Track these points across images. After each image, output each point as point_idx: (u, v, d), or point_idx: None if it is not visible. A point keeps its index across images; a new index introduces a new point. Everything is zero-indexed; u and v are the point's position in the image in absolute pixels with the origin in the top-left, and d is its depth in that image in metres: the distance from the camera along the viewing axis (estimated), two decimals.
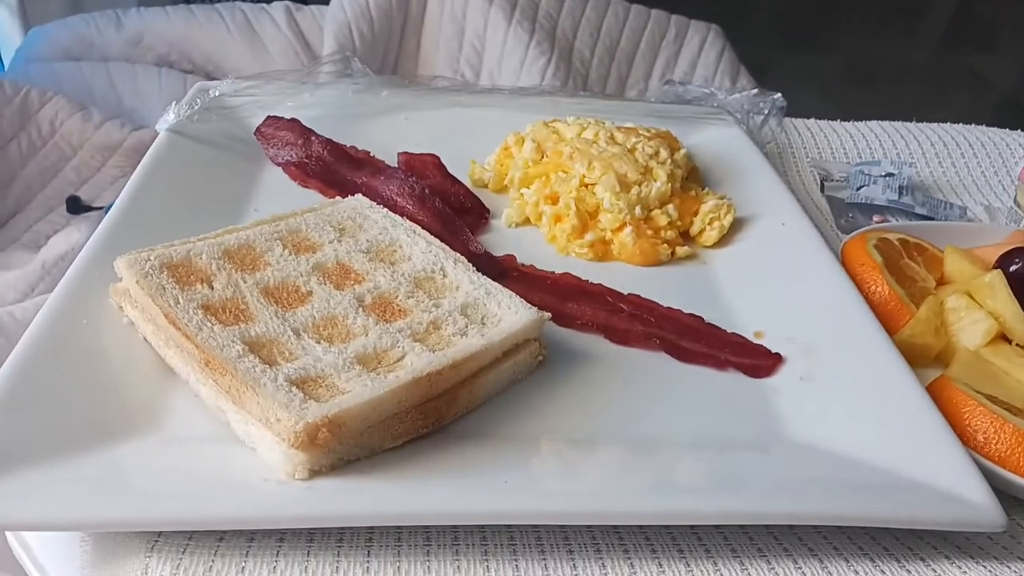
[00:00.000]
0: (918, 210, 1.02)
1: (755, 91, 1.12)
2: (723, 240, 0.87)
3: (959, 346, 0.75)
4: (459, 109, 1.06)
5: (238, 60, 1.95)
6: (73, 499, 0.51)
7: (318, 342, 0.62)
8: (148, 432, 0.57)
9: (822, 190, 1.07)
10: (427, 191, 0.86)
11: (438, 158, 0.93)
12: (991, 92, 3.50)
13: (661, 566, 0.55)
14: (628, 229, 0.84)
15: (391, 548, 0.54)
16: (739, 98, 1.12)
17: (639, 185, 0.87)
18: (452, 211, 0.86)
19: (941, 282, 0.84)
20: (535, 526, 0.57)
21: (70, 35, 1.98)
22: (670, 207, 0.87)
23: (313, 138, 0.94)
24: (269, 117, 0.96)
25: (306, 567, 0.53)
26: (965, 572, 0.57)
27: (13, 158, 1.62)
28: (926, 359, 0.75)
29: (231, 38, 1.95)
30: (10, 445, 0.53)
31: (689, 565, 0.55)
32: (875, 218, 1.01)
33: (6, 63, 2.16)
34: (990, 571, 0.57)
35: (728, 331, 0.74)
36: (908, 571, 0.57)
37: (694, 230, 0.88)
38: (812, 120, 1.20)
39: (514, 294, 0.68)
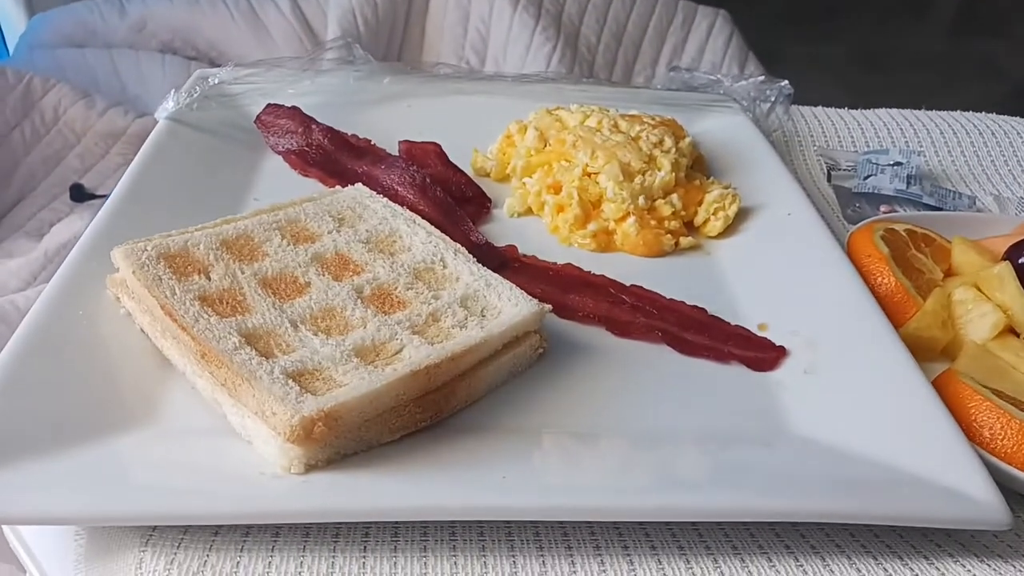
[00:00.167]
0: (926, 200, 1.00)
1: (762, 78, 1.11)
2: (728, 230, 0.86)
3: (966, 339, 0.74)
4: (462, 97, 1.05)
5: (242, 46, 1.94)
6: (67, 493, 0.50)
7: (316, 334, 0.61)
8: (143, 425, 0.57)
9: (829, 179, 1.06)
10: (428, 180, 0.85)
11: (439, 147, 0.92)
12: (1003, 79, 3.46)
13: (660, 563, 0.55)
14: (631, 219, 0.83)
15: (387, 543, 0.54)
16: (745, 85, 1.10)
17: (643, 174, 0.86)
18: (453, 200, 0.85)
19: (949, 274, 0.83)
20: (533, 522, 0.56)
21: (74, 21, 1.97)
22: (674, 197, 0.86)
23: (314, 126, 0.93)
24: (269, 105, 0.95)
25: (301, 562, 0.52)
26: (970, 570, 0.56)
27: (16, 146, 1.62)
28: (933, 352, 0.74)
29: (235, 24, 1.94)
30: (5, 438, 0.52)
31: (689, 562, 0.55)
32: (882, 208, 0.99)
33: (10, 50, 2.15)
34: (995, 569, 0.56)
35: (732, 323, 0.73)
36: (911, 569, 0.56)
37: (698, 220, 0.87)
38: (819, 108, 1.19)
39: (514, 286, 0.68)
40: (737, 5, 2.23)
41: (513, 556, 0.54)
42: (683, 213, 0.86)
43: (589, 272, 0.78)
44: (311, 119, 0.94)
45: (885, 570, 0.55)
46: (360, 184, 0.80)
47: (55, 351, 0.60)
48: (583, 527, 0.56)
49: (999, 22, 3.80)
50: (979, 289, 0.77)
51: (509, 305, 0.66)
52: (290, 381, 0.55)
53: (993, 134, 1.15)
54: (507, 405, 0.63)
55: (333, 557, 0.53)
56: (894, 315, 0.74)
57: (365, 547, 0.54)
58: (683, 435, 0.62)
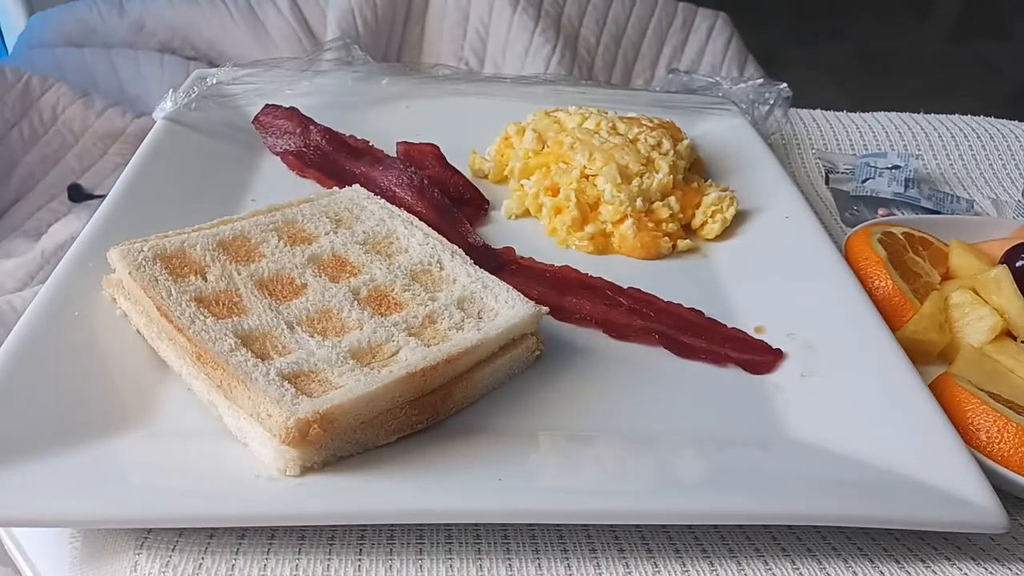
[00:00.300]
0: (924, 203, 1.00)
1: (760, 81, 1.11)
2: (726, 233, 0.86)
3: (963, 343, 0.74)
4: (460, 98, 1.05)
5: (241, 46, 1.94)
6: (62, 495, 0.50)
7: (312, 336, 0.61)
8: (139, 427, 0.57)
9: (827, 182, 1.06)
10: (426, 182, 0.85)
11: (437, 148, 0.92)
12: (1005, 81, 3.46)
13: (656, 566, 0.54)
14: (629, 222, 0.83)
15: (383, 546, 0.54)
16: (744, 88, 1.10)
17: (640, 177, 0.86)
18: (451, 202, 0.85)
19: (946, 277, 0.83)
20: (530, 525, 0.56)
21: (73, 21, 1.97)
22: (672, 199, 0.86)
23: (312, 127, 0.93)
24: (267, 105, 0.95)
25: (296, 565, 0.52)
26: (966, 574, 0.56)
27: (15, 145, 1.62)
28: (930, 356, 0.74)
29: (234, 24, 1.94)
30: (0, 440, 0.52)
31: (685, 565, 0.55)
32: (880, 211, 0.99)
33: (9, 49, 2.15)
34: (991, 573, 0.56)
35: (728, 326, 0.73)
36: (908, 572, 0.56)
37: (696, 223, 0.86)
38: (818, 111, 1.19)
39: (511, 288, 0.67)
40: (738, 7, 2.23)
41: (509, 559, 0.54)
42: (681, 215, 0.86)
43: (586, 274, 0.78)
44: (309, 120, 0.94)
45: (881, 573, 0.55)
46: (358, 185, 0.80)
47: (50, 352, 0.60)
48: (579, 530, 0.56)
49: (1001, 24, 3.80)
50: (976, 292, 0.77)
51: (506, 307, 0.66)
52: (286, 383, 0.55)
53: (991, 137, 1.15)
54: (503, 407, 0.63)
55: (328, 560, 0.53)
56: (891, 318, 0.74)
57: (360, 549, 0.53)
58: (679, 438, 0.62)
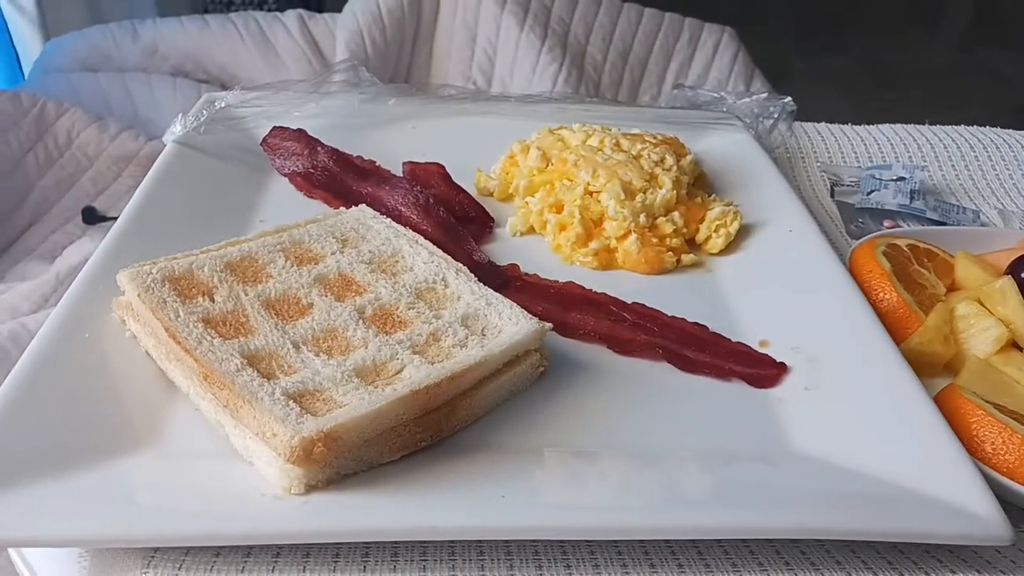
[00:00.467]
0: (930, 215, 1.00)
1: (765, 95, 1.11)
2: (730, 247, 0.86)
3: (969, 354, 0.74)
4: (465, 117, 1.06)
5: (252, 69, 1.97)
6: (72, 515, 0.51)
7: (317, 355, 0.62)
8: (148, 447, 0.57)
9: (832, 195, 1.06)
10: (432, 200, 0.86)
11: (443, 167, 0.93)
12: (1014, 92, 3.46)
13: None
14: (633, 237, 0.83)
15: (387, 563, 0.54)
16: (749, 102, 1.11)
17: (644, 192, 0.86)
18: (457, 220, 0.86)
19: (952, 288, 0.83)
20: (533, 541, 0.56)
21: (87, 46, 2.01)
22: (675, 214, 0.86)
23: (319, 148, 0.94)
24: (275, 128, 0.97)
25: None
26: None
27: (30, 169, 1.65)
28: (935, 368, 0.74)
29: (244, 47, 1.97)
30: (10, 461, 0.53)
31: None
32: (886, 223, 0.99)
33: (25, 74, 2.19)
34: None
35: (733, 340, 0.73)
36: None
37: (700, 237, 0.87)
38: (823, 124, 1.19)
39: (515, 304, 0.68)
40: (744, 20, 2.24)
41: (512, 574, 0.54)
42: (684, 230, 0.86)
43: (590, 290, 0.78)
44: (317, 141, 0.95)
45: None
46: (364, 205, 0.81)
47: (61, 374, 0.61)
48: (582, 546, 0.56)
49: (1009, 34, 3.79)
50: (981, 304, 0.77)
51: (509, 324, 0.66)
52: (291, 402, 0.56)
53: (997, 148, 1.15)
54: (508, 424, 0.63)
55: None
56: (896, 331, 0.74)
57: (365, 567, 0.54)
58: (683, 453, 0.62)
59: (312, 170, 0.93)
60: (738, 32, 2.16)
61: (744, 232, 0.87)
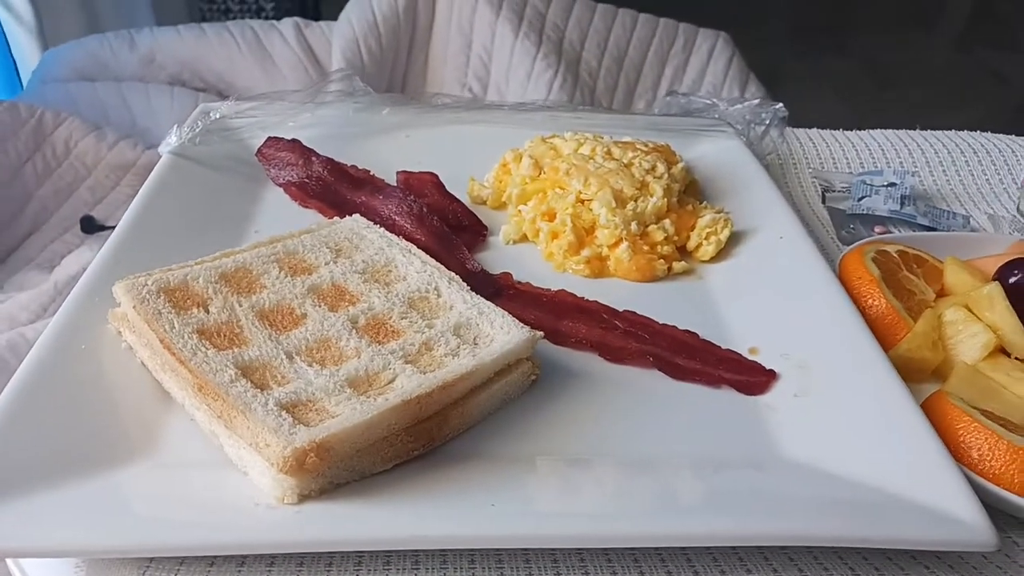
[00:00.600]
0: (920, 220, 1.01)
1: (757, 101, 1.12)
2: (721, 254, 0.87)
3: (957, 360, 0.75)
4: (459, 126, 1.07)
5: (248, 77, 1.97)
6: (68, 526, 0.52)
7: (310, 365, 0.63)
8: (143, 457, 0.58)
9: (823, 201, 1.07)
10: (425, 209, 0.87)
11: (436, 176, 0.94)
12: (1012, 93, 3.46)
13: None
14: (624, 245, 0.84)
15: (379, 571, 0.55)
16: (740, 109, 1.11)
17: (635, 200, 0.87)
18: (450, 229, 0.86)
19: (941, 294, 0.84)
20: (524, 550, 0.57)
21: (85, 56, 2.01)
22: (666, 222, 0.87)
23: (313, 158, 0.95)
24: (270, 138, 0.97)
25: None
26: None
27: (29, 179, 1.65)
28: (923, 374, 0.74)
29: (241, 56, 1.98)
30: (7, 471, 0.54)
31: None
32: (877, 229, 1.00)
33: (23, 84, 2.20)
34: None
35: (723, 348, 0.74)
36: None
37: (691, 245, 0.88)
38: (814, 130, 1.20)
39: (507, 313, 0.69)
40: (744, 21, 2.24)
41: None
42: (676, 238, 0.87)
43: (582, 298, 0.79)
44: (311, 151, 0.96)
45: None
46: (358, 215, 0.82)
47: (57, 385, 0.61)
48: (573, 554, 0.57)
49: (1008, 35, 3.80)
50: (969, 309, 0.77)
51: (501, 333, 0.67)
52: (284, 412, 0.57)
53: (988, 152, 1.15)
54: (500, 433, 0.64)
55: None
56: (885, 337, 0.75)
57: (357, 574, 0.54)
58: (673, 460, 0.63)
59: (307, 180, 0.93)
60: (737, 34, 2.16)
61: (735, 239, 0.88)
